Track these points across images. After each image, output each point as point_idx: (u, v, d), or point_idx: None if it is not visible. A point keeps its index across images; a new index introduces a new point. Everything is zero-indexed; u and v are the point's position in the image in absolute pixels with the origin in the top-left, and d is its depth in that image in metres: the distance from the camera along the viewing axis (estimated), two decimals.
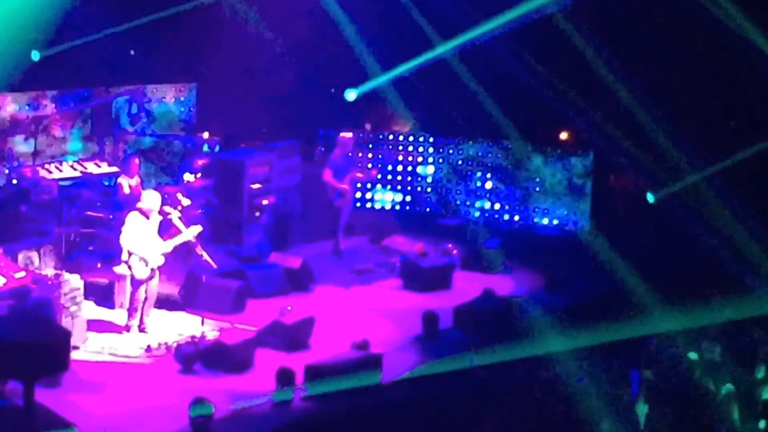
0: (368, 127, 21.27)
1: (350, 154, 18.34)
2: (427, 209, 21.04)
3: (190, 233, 14.35)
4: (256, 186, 17.86)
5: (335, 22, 19.53)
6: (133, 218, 14.17)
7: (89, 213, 16.32)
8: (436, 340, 14.60)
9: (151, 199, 14.30)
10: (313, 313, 14.54)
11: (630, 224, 19.39)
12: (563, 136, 20.88)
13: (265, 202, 17.85)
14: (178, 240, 14.30)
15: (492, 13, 18.18)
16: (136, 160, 16.57)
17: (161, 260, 14.21)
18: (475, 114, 19.88)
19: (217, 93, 19.99)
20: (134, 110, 18.90)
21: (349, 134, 18.16)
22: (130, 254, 14.12)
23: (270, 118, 20.09)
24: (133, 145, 18.88)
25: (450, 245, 18.20)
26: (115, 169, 17.04)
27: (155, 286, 14.33)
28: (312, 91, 20.51)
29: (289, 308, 14.26)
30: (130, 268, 14.14)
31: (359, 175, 18.14)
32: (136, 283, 14.16)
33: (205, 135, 19.18)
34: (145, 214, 14.19)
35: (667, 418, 13.34)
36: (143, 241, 14.10)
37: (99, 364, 13.28)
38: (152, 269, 14.15)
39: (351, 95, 18.76)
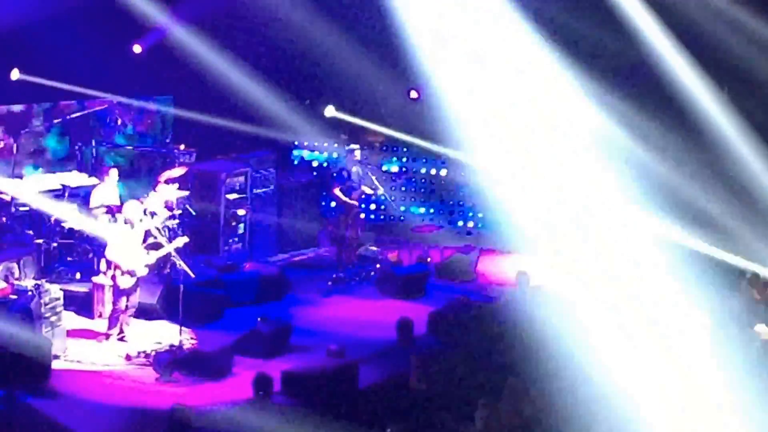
0: (343, 137, 21.47)
1: (360, 171, 18.50)
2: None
3: (175, 244, 14.56)
4: (232, 196, 18.10)
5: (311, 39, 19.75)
6: (118, 230, 14.38)
7: (67, 224, 16.52)
8: (410, 345, 14.85)
9: (132, 209, 14.50)
10: (290, 321, 14.78)
11: None
12: None
13: (241, 212, 18.08)
14: (162, 251, 14.51)
15: None
16: (112, 171, 16.79)
17: (145, 271, 14.42)
18: None
19: (192, 106, 20.19)
20: (112, 122, 19.07)
21: (359, 153, 18.49)
22: (113, 265, 14.30)
23: (245, 129, 20.27)
24: (110, 156, 19.07)
25: (424, 253, 18.47)
26: (94, 180, 17.21)
27: (136, 297, 14.55)
28: (286, 102, 20.69)
29: (259, 319, 14.46)
30: (113, 278, 14.34)
31: (368, 191, 18.39)
32: (118, 293, 14.36)
33: (182, 147, 19.37)
34: (130, 224, 14.41)
35: None
36: (128, 252, 14.31)
37: (79, 373, 13.47)
38: (135, 280, 14.37)
39: (330, 110, 19.06)
